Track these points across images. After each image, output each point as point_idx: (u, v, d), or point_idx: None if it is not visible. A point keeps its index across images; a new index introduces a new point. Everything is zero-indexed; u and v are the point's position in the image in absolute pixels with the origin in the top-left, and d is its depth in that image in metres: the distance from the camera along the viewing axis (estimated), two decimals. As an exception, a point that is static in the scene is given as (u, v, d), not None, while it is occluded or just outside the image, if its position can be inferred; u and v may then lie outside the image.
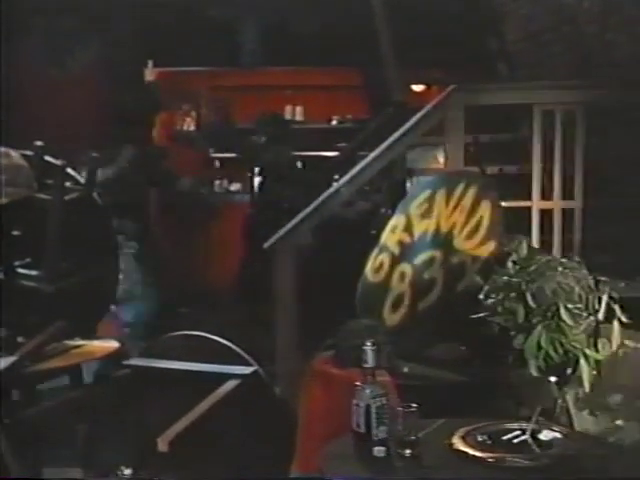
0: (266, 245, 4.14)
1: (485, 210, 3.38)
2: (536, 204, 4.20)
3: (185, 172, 6.14)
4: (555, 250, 4.16)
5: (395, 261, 3.59)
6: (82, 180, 3.23)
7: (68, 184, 3.16)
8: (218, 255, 5.98)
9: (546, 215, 4.24)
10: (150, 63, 6.39)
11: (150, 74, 6.30)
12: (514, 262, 2.42)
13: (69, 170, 3.17)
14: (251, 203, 5.92)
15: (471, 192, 3.45)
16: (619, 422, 2.46)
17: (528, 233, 4.19)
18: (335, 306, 3.62)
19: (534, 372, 2.33)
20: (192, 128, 6.64)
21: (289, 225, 4.18)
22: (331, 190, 4.33)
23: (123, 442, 2.98)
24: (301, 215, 4.20)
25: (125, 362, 3.22)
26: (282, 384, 3.86)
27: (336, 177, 4.75)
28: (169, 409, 2.87)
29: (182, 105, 6.54)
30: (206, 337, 3.29)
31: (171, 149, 6.09)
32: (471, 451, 2.29)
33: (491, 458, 2.26)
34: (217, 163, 6.93)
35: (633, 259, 4.31)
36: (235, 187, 6.78)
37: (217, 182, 6.82)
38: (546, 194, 4.34)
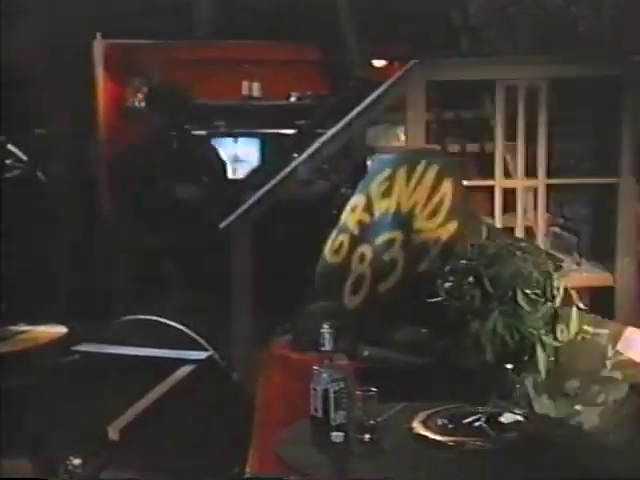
0: (222, 225, 4.13)
1: (447, 189, 3.40)
2: (499, 183, 4.24)
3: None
4: (518, 230, 4.21)
5: (355, 242, 3.60)
6: (24, 157, 3.17)
7: (9, 162, 3.10)
8: (172, 235, 5.93)
9: (509, 194, 4.28)
10: (99, 35, 6.27)
11: (99, 46, 6.18)
12: (472, 245, 2.44)
13: (10, 147, 3.11)
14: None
15: (432, 171, 3.46)
16: (578, 407, 2.51)
17: (491, 213, 4.24)
18: (293, 288, 3.62)
19: (490, 358, 2.36)
20: (144, 104, 6.54)
21: (245, 205, 4.17)
22: (289, 169, 4.32)
23: (72, 432, 2.95)
24: (258, 194, 4.19)
25: (74, 348, 3.18)
26: (239, 369, 3.87)
27: (295, 155, 4.73)
28: (120, 396, 2.85)
29: (133, 80, 6.43)
30: (159, 321, 3.27)
31: (121, 126, 6.01)
32: (431, 435, 2.32)
33: (452, 442, 2.30)
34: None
35: (599, 240, 4.40)
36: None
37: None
38: (509, 172, 4.40)
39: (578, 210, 4.53)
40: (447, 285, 2.42)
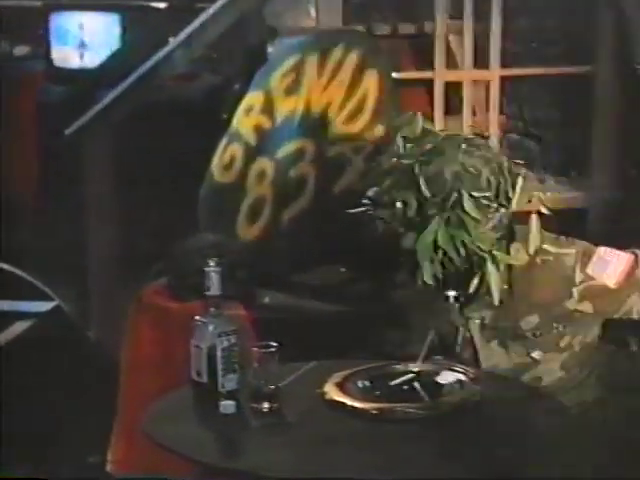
0: (68, 132, 4.06)
1: (371, 83, 3.45)
2: (440, 75, 4.29)
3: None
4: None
5: (251, 154, 3.63)
6: None
7: None
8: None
9: (453, 90, 4.34)
10: None
11: None
12: (405, 138, 2.48)
13: None
14: (47, 73, 5.74)
15: (352, 58, 3.50)
16: (535, 354, 2.61)
17: (430, 114, 4.30)
18: (169, 216, 3.62)
19: (428, 280, 2.43)
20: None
21: (100, 105, 4.10)
22: (160, 57, 4.26)
23: None
24: (117, 91, 4.13)
25: None
26: (96, 324, 3.87)
27: (169, 39, 4.67)
28: None
29: None
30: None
31: None
32: (349, 401, 2.38)
33: (375, 409, 2.36)
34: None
35: (568, 149, 4.52)
36: (22, 51, 6.53)
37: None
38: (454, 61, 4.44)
39: (542, 110, 4.63)
40: (373, 191, 2.46)
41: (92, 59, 5.64)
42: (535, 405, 2.44)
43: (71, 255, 4.17)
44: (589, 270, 2.56)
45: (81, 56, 5.70)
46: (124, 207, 4.13)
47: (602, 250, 2.60)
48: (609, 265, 2.56)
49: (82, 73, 5.60)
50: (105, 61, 5.59)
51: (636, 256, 2.60)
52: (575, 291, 2.56)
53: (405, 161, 2.45)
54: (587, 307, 2.57)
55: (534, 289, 2.57)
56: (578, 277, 2.56)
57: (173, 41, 4.39)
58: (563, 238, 2.65)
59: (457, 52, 4.53)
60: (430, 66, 4.31)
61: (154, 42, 4.80)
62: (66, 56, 5.68)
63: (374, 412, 2.35)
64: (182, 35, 4.30)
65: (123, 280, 3.89)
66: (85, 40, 5.68)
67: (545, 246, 2.58)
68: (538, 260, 2.57)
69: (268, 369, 2.36)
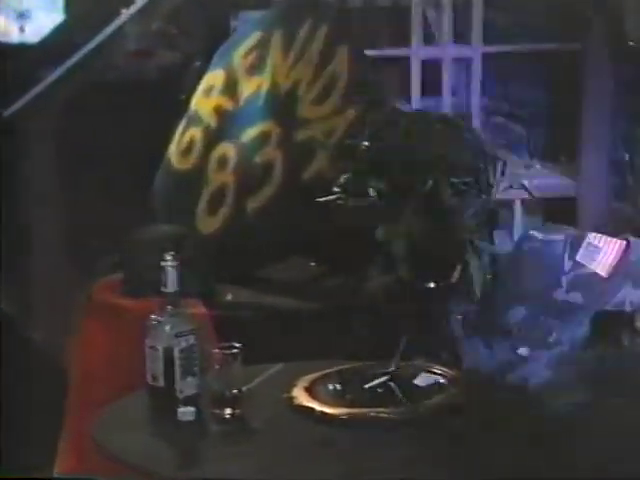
0: (7, 113, 4.04)
1: (342, 61, 3.45)
2: (417, 51, 4.31)
3: None
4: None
5: (212, 138, 3.63)
6: None
7: None
8: None
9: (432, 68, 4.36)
10: None
11: None
12: (377, 120, 2.49)
13: None
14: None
15: (321, 34, 3.50)
16: (522, 350, 2.63)
17: (407, 95, 4.32)
18: (121, 207, 3.60)
19: (404, 274, 2.44)
20: None
21: (44, 83, 4.08)
22: (112, 30, 4.25)
23: None
24: (63, 68, 4.11)
25: None
26: (44, 325, 3.86)
27: (122, 10, 4.66)
28: None
29: None
30: None
31: None
32: (318, 406, 2.39)
33: (347, 414, 2.37)
34: None
35: (557, 133, 4.55)
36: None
37: None
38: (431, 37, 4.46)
39: (528, 91, 4.65)
40: (343, 178, 2.47)
41: (34, 32, 5.56)
42: (519, 407, 2.46)
43: (11, 249, 4.15)
44: (579, 257, 2.57)
45: (21, 29, 5.61)
46: (71, 196, 4.12)
47: (592, 236, 2.61)
48: (600, 252, 2.57)
49: (22, 48, 5.54)
50: (49, 35, 5.54)
51: (628, 243, 2.61)
52: (564, 280, 2.58)
53: (377, 145, 2.46)
54: (577, 297, 2.59)
55: (520, 278, 2.58)
56: (567, 265, 2.58)
57: (126, 13, 4.38)
58: (551, 224, 2.67)
59: (435, 27, 4.55)
60: (407, 42, 4.33)
61: (104, 14, 4.79)
62: (3, 29, 5.58)
63: (344, 417, 2.36)
64: (136, 6, 4.29)
65: (71, 276, 3.89)
66: (24, 11, 5.59)
67: (531, 232, 2.61)
68: (525, 247, 2.59)
69: (230, 372, 2.37)
